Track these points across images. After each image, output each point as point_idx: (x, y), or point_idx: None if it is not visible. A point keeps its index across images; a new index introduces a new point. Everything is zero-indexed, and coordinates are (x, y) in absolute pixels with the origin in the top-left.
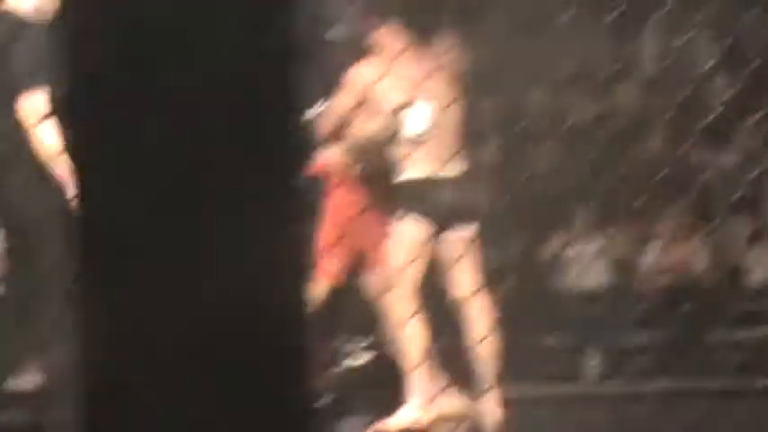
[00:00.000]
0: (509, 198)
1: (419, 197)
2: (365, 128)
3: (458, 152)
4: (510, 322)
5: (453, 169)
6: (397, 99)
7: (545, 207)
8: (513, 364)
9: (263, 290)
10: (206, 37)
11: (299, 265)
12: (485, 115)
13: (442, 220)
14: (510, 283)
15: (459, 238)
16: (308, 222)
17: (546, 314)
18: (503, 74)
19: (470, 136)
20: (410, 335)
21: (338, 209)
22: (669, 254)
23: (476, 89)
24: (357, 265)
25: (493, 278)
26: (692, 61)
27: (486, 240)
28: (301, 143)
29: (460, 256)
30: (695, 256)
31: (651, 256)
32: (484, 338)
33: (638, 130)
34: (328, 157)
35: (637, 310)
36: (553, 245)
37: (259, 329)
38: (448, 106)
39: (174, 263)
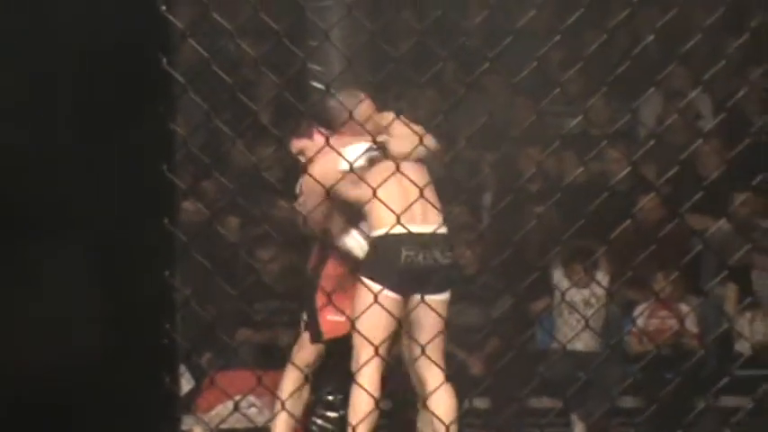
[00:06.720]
0: (498, 258)
1: (386, 254)
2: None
3: (430, 211)
4: (497, 383)
5: (425, 227)
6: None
7: (532, 268)
8: (499, 425)
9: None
10: None
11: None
12: (479, 173)
13: (412, 283)
14: (496, 344)
15: (429, 303)
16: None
17: (532, 376)
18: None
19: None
20: (360, 398)
21: (334, 270)
22: (658, 318)
23: (468, 148)
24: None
25: (479, 338)
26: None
27: (474, 300)
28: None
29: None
30: (685, 320)
31: (640, 320)
32: (444, 412)
33: (632, 192)
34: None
35: (624, 374)
36: (540, 305)
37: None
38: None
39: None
